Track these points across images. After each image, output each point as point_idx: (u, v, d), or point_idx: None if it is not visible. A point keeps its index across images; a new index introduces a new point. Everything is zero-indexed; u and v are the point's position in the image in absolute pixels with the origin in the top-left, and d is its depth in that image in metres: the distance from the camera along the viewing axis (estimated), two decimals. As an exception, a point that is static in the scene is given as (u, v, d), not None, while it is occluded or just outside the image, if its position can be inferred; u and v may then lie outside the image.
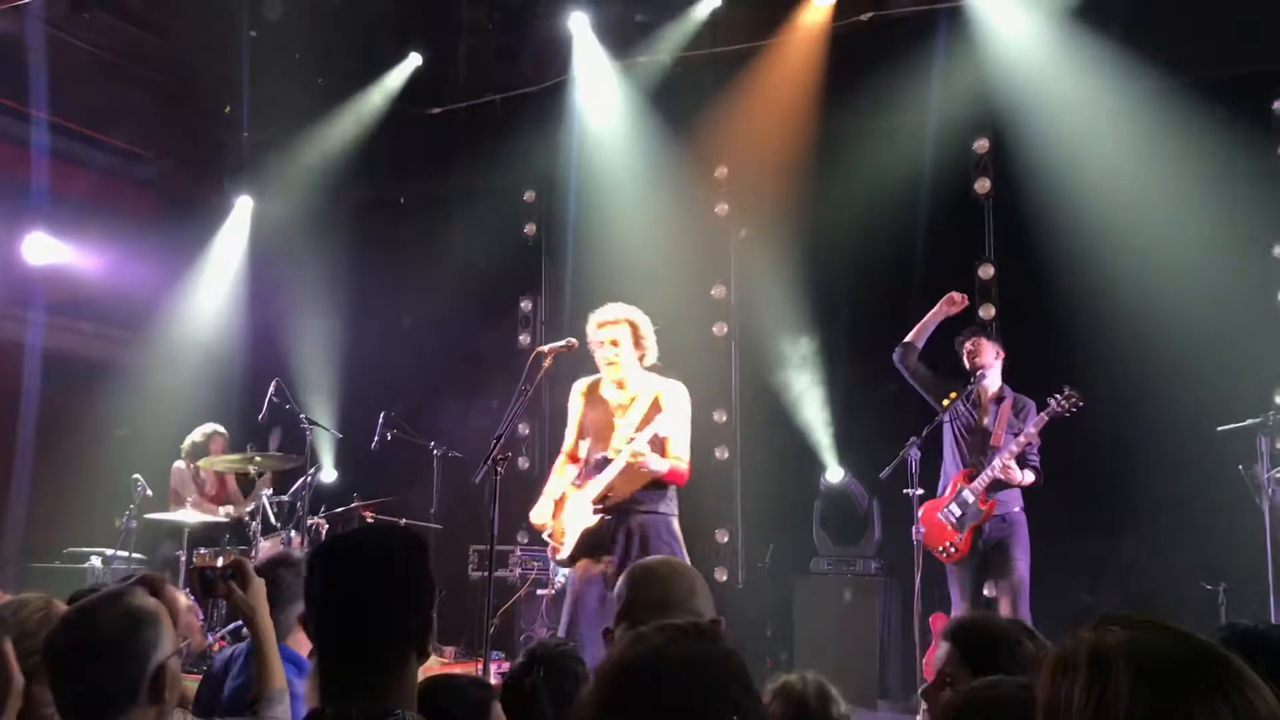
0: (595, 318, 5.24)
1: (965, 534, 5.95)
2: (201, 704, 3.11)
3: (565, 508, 5.16)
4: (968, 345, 6.13)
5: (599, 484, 5.05)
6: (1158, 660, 1.28)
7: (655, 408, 5.12)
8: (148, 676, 2.16)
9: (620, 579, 2.55)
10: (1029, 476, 5.85)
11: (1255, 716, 1.24)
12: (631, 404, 5.17)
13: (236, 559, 2.85)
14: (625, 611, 2.44)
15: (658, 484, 5.06)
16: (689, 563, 3.44)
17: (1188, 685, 1.25)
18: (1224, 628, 2.21)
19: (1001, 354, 6.17)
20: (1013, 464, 5.80)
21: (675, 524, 5.11)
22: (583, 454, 5.29)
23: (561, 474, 5.30)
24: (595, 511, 5.03)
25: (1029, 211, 6.82)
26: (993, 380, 6.12)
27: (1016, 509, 5.95)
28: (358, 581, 1.85)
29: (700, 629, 1.53)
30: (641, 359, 5.22)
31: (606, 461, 5.08)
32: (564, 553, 5.12)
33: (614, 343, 5.13)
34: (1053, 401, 5.79)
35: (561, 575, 6.82)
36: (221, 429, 7.98)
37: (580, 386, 5.35)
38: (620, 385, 5.22)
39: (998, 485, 5.89)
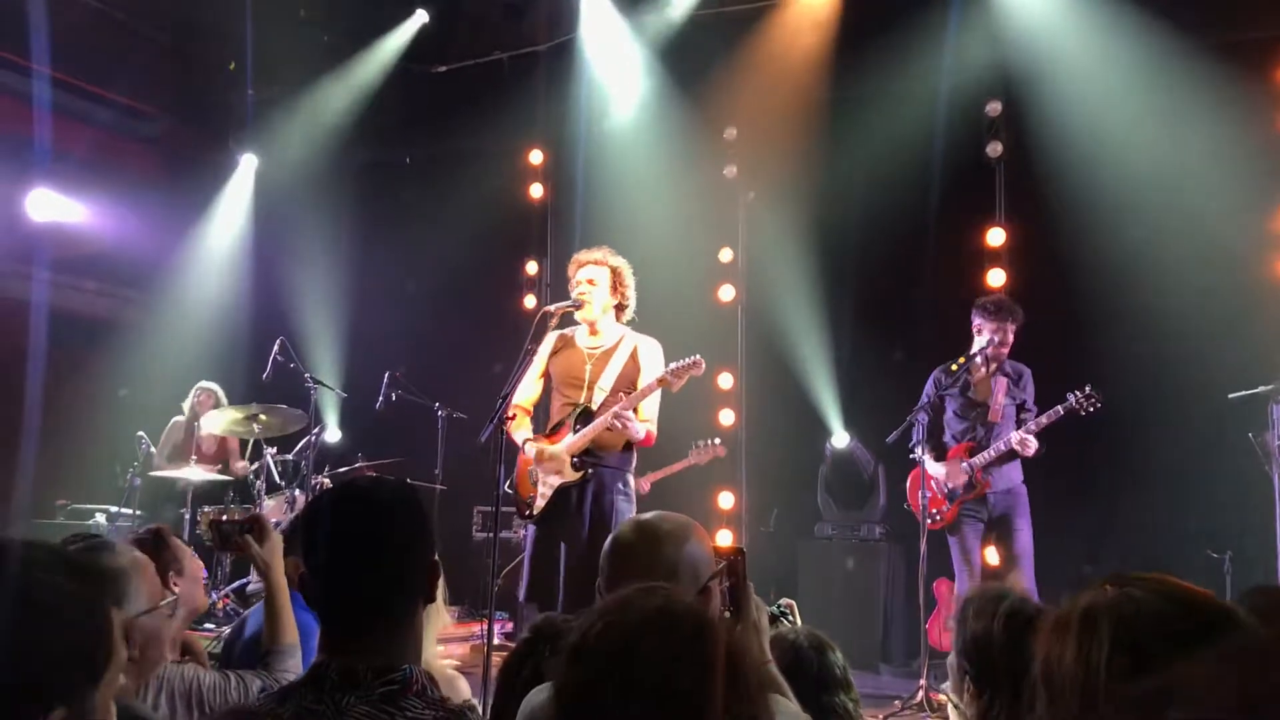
0: (577, 256, 5.22)
1: (953, 505, 5.95)
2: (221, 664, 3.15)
3: (537, 463, 5.10)
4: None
5: (582, 438, 4.99)
6: (1140, 620, 1.25)
7: (634, 361, 5.09)
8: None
9: (614, 543, 2.19)
10: (1033, 445, 5.79)
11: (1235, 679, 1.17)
12: (607, 354, 5.13)
13: (254, 514, 3.00)
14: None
15: (629, 444, 5.07)
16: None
17: (1166, 647, 1.22)
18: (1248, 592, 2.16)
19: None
20: (1030, 438, 5.75)
21: (633, 480, 5.15)
22: (529, 405, 5.27)
23: (521, 429, 5.21)
24: (575, 467, 4.99)
25: (1041, 175, 6.74)
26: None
27: (1019, 481, 5.96)
28: (365, 532, 1.82)
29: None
30: (620, 310, 5.20)
31: (587, 413, 5.03)
32: (537, 508, 5.06)
33: (590, 281, 5.09)
34: (1071, 398, 5.71)
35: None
36: (211, 386, 7.90)
37: (553, 336, 5.28)
38: (593, 330, 5.18)
39: (1004, 457, 5.88)
